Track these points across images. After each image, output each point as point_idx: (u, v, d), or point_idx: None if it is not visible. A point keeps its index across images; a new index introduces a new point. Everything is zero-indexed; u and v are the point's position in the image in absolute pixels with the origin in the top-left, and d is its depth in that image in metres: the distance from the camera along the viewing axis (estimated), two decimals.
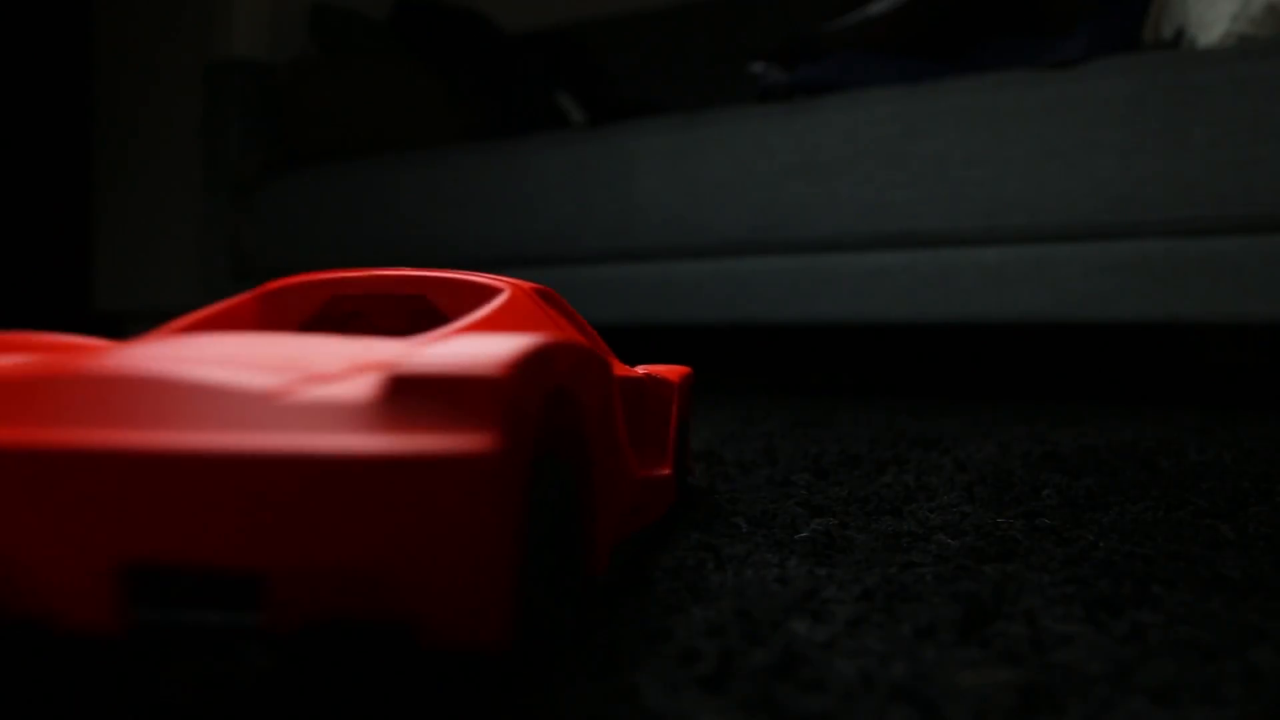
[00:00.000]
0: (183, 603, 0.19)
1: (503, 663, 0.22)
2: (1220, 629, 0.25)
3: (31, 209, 1.96)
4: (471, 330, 0.28)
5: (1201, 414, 0.88)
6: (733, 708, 0.20)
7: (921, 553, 0.34)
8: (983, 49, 1.13)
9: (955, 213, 1.00)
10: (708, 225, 1.13)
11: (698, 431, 0.73)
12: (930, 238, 1.01)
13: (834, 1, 1.54)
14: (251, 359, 0.21)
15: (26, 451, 0.18)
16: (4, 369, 0.21)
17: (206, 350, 0.22)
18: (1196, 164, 0.89)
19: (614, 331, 1.63)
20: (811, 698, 0.21)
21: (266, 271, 1.51)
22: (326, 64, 1.49)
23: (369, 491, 0.17)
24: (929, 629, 0.25)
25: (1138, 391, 1.17)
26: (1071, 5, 1.14)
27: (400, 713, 0.20)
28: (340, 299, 0.33)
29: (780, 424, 0.79)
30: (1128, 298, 0.92)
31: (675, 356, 1.66)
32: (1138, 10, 1.05)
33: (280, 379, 0.20)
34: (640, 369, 0.39)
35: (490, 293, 0.32)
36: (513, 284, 0.33)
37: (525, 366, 0.19)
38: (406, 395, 0.18)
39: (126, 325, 1.82)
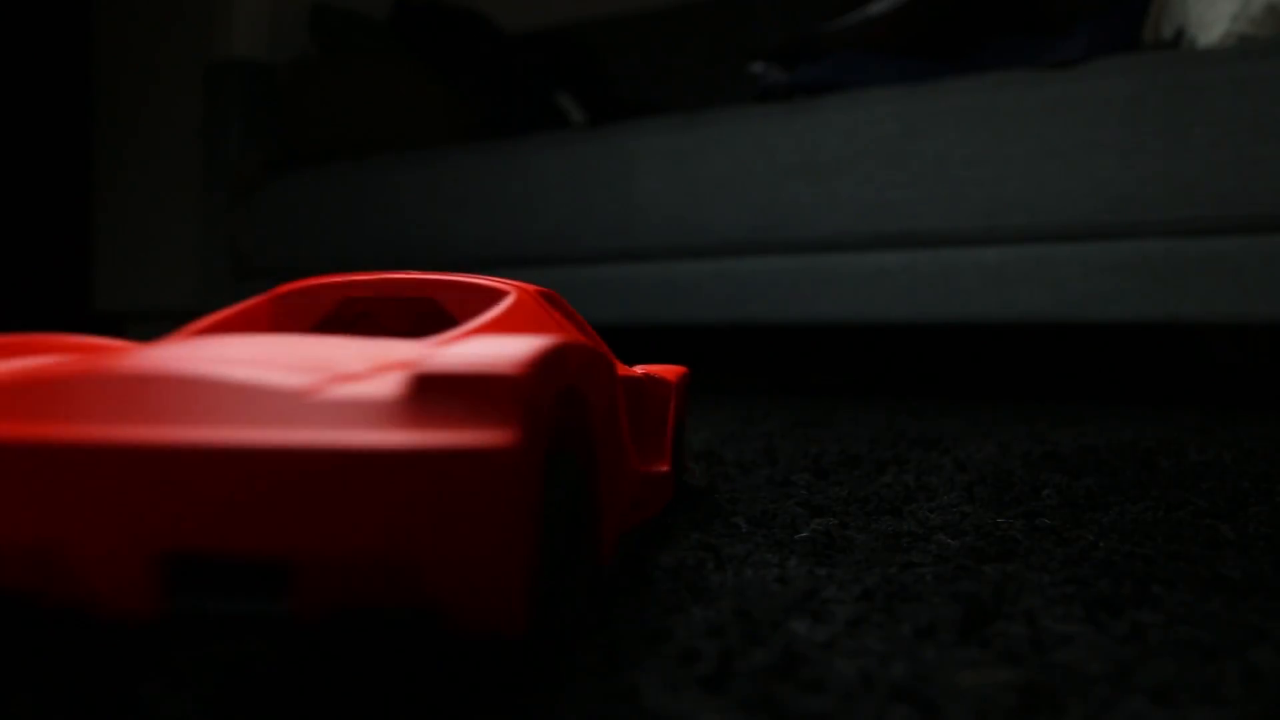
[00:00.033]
0: (215, 592, 0.20)
1: (512, 651, 0.22)
2: (1220, 629, 0.25)
3: (31, 209, 1.96)
4: (481, 332, 0.29)
5: (1201, 414, 0.88)
6: (733, 708, 0.20)
7: (921, 553, 0.34)
8: (983, 49, 1.13)
9: (955, 213, 1.00)
10: (708, 225, 1.13)
11: (698, 431, 0.73)
12: (930, 238, 1.01)
13: (834, 1, 1.54)
14: (281, 360, 0.22)
15: (71, 446, 0.19)
16: (42, 368, 0.22)
17: (236, 351, 0.23)
18: (1196, 164, 0.89)
19: (614, 331, 1.63)
20: (811, 698, 0.21)
21: (266, 271, 1.51)
22: (326, 64, 1.49)
23: (397, 484, 0.18)
24: (929, 629, 0.25)
25: (1138, 391, 1.17)
26: (1071, 5, 1.14)
27: (409, 700, 0.20)
28: (351, 301, 0.34)
29: (780, 424, 0.79)
30: (1128, 298, 0.92)
31: (675, 356, 1.66)
32: (1138, 10, 1.05)
33: (310, 378, 0.21)
34: (638, 369, 0.40)
35: (497, 295, 0.33)
36: (518, 287, 0.34)
37: (541, 366, 0.20)
38: (430, 393, 0.19)
39: (126, 325, 1.82)
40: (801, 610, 0.27)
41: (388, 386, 0.20)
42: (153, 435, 0.19)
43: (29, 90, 1.95)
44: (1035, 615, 0.27)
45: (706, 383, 1.42)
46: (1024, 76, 0.97)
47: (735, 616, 0.26)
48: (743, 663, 0.23)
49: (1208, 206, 0.89)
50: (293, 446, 0.19)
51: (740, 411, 0.91)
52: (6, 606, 0.21)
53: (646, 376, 0.39)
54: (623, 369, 0.36)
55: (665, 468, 0.38)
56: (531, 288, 0.35)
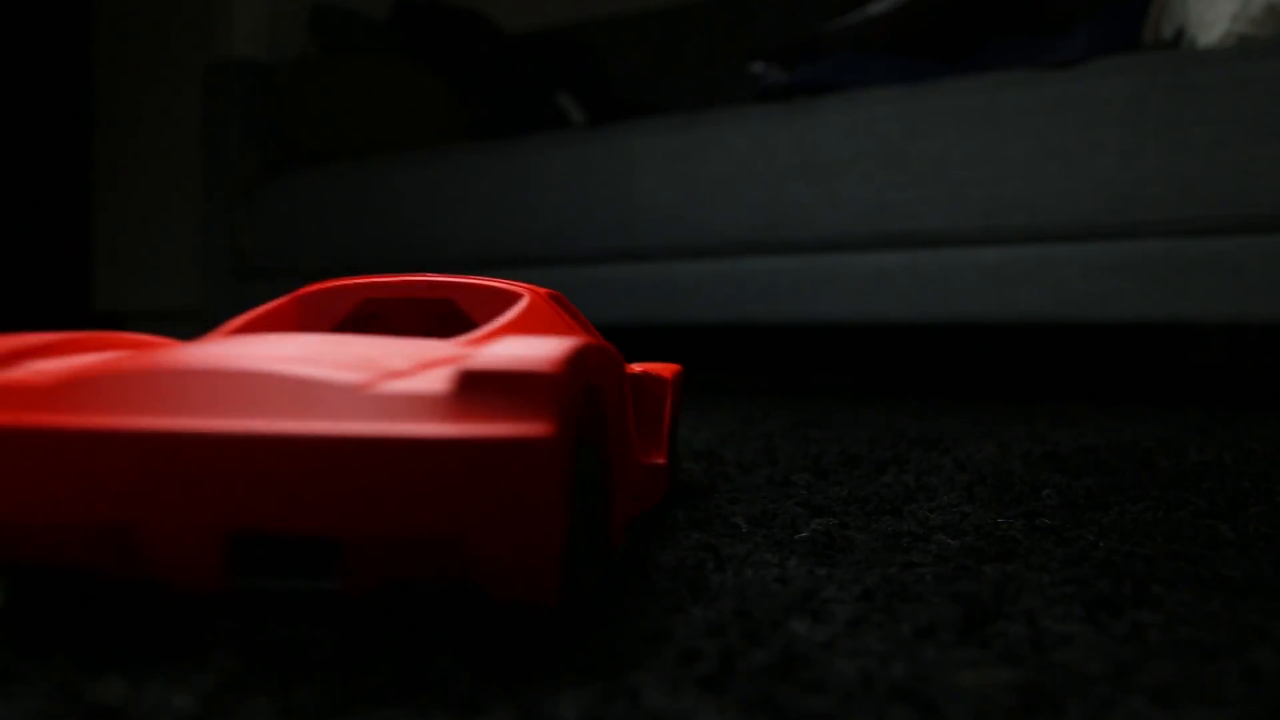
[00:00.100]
0: (274, 569, 0.22)
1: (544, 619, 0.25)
2: (1220, 629, 0.25)
3: (31, 209, 1.96)
4: (503, 332, 0.31)
5: (1201, 414, 0.88)
6: (733, 708, 0.20)
7: (921, 553, 0.34)
8: (983, 49, 1.13)
9: (955, 213, 1.00)
10: (708, 225, 1.13)
11: (698, 431, 0.73)
12: (930, 238, 1.01)
13: (834, 1, 1.54)
14: (331, 358, 0.24)
15: (146, 434, 0.21)
16: (109, 363, 0.24)
17: (288, 349, 0.25)
18: (1196, 164, 0.89)
19: (614, 331, 1.63)
20: (811, 698, 0.21)
21: (266, 271, 1.51)
22: (326, 64, 1.49)
23: (449, 469, 0.20)
24: (929, 629, 0.25)
25: (1138, 391, 1.18)
26: (1071, 5, 1.14)
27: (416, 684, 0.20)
28: (370, 302, 0.36)
29: (780, 424, 0.79)
30: (1128, 298, 0.92)
31: (675, 356, 1.66)
32: (1138, 10, 1.05)
33: (362, 375, 0.23)
34: (636, 367, 0.42)
35: (512, 298, 0.35)
36: (530, 289, 0.36)
37: (571, 365, 0.22)
38: (475, 388, 0.21)
39: (126, 325, 1.82)
40: (801, 610, 0.27)
41: (434, 382, 0.22)
42: (223, 425, 0.21)
43: (29, 90, 1.95)
44: (1035, 615, 0.27)
45: (706, 383, 1.42)
46: (1024, 76, 0.97)
47: (735, 616, 0.26)
48: (743, 663, 0.23)
49: (1207, 206, 0.89)
50: (354, 435, 0.21)
51: (740, 411, 0.91)
52: (78, 582, 0.24)
53: (645, 374, 0.41)
54: (626, 367, 0.36)
55: (662, 460, 0.39)
56: (542, 290, 0.36)
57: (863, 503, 0.43)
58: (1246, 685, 0.22)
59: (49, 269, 1.94)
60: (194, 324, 1.70)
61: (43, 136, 1.95)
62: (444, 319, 0.36)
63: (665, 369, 0.44)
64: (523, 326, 0.32)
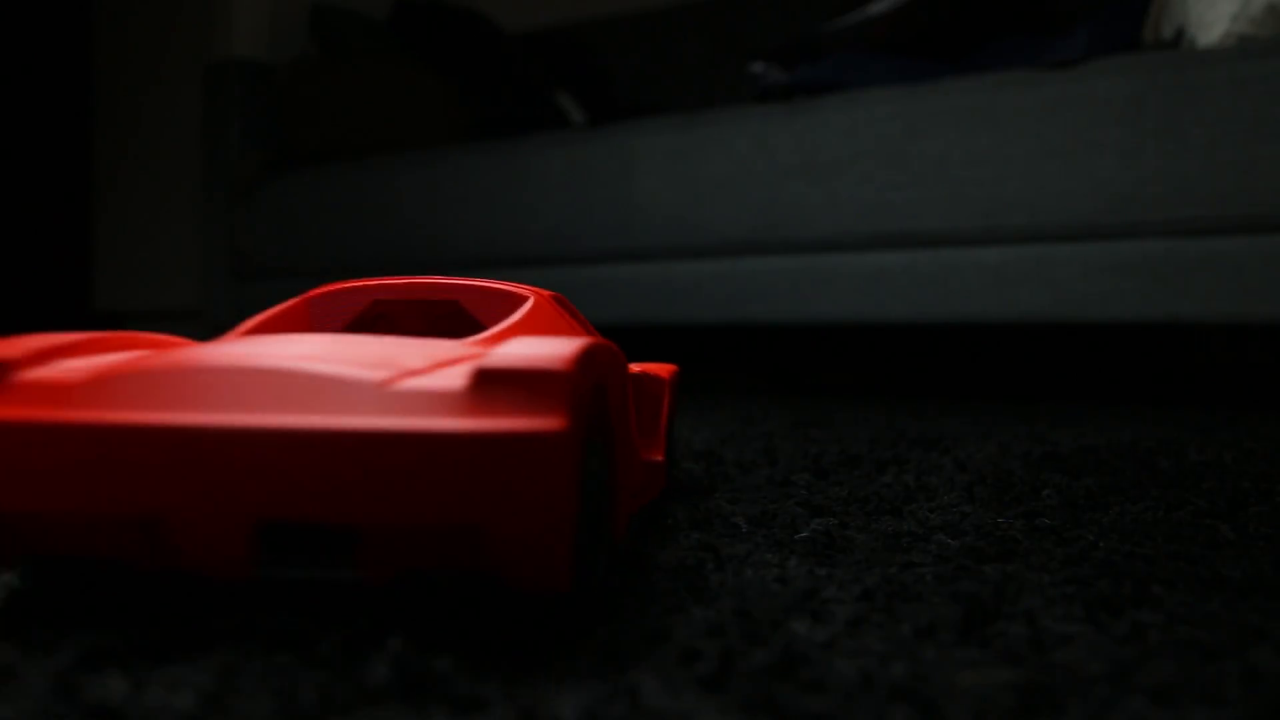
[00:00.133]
0: (298, 558, 0.23)
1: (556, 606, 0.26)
2: (1220, 629, 0.25)
3: (31, 209, 1.96)
4: (511, 332, 0.32)
5: (1201, 414, 0.88)
6: (733, 708, 0.20)
7: (921, 553, 0.34)
8: (983, 49, 1.13)
9: (955, 213, 1.00)
10: (708, 225, 1.13)
11: (698, 431, 0.73)
12: (930, 238, 1.01)
13: (834, 1, 1.54)
14: (352, 357, 0.25)
15: (177, 429, 0.22)
16: (138, 361, 0.25)
17: (310, 349, 0.26)
18: (1196, 164, 0.89)
19: (614, 331, 1.63)
20: (811, 698, 0.21)
21: (266, 271, 1.51)
22: (326, 64, 1.49)
23: (466, 461, 0.22)
24: (929, 629, 0.25)
25: (1138, 391, 1.18)
26: (1071, 5, 1.14)
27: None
28: (379, 303, 0.37)
29: (780, 424, 0.79)
30: (1128, 298, 0.92)
31: (675, 356, 1.66)
32: (1138, 10, 1.05)
33: (383, 373, 0.24)
34: (635, 367, 0.42)
35: (517, 300, 0.36)
36: (535, 291, 0.37)
37: (582, 364, 0.24)
38: (491, 385, 0.23)
39: (126, 325, 1.82)
40: (801, 610, 0.27)
41: (452, 379, 0.23)
42: (252, 420, 0.22)
43: (29, 90, 1.95)
44: (1035, 615, 0.27)
45: (707, 383, 1.42)
46: (1024, 76, 0.97)
47: (735, 616, 0.26)
48: (743, 663, 0.23)
49: (1208, 206, 0.89)
50: (379, 429, 0.22)
51: (740, 411, 0.91)
52: (111, 572, 0.25)
53: (643, 374, 0.42)
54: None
55: (660, 458, 0.40)
56: (545, 292, 0.37)
57: (863, 503, 0.43)
58: (1246, 685, 0.22)
59: (49, 269, 1.94)
60: (194, 324, 1.70)
61: (43, 136, 1.95)
62: (448, 320, 0.37)
63: (662, 369, 0.45)
64: (529, 327, 0.33)
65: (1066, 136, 0.95)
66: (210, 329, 1.58)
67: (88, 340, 0.28)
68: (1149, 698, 0.21)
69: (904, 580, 0.30)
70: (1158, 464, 0.55)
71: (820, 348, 1.55)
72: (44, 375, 0.25)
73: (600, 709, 0.20)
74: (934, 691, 0.21)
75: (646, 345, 1.67)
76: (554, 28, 1.75)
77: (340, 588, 0.25)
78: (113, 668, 0.22)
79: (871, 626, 0.26)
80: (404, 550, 0.23)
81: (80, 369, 0.25)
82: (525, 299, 0.36)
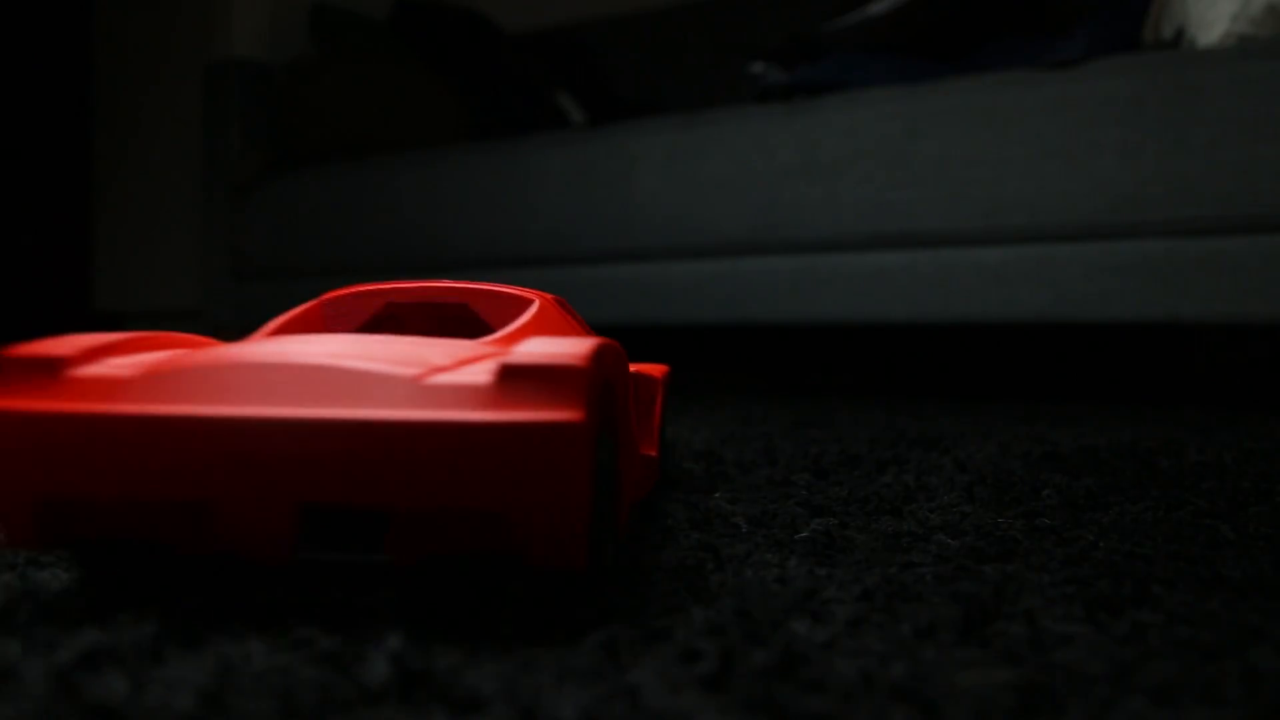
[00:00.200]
0: (334, 543, 0.25)
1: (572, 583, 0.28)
2: (1220, 629, 0.25)
3: (31, 209, 1.95)
4: (523, 332, 0.34)
5: (1201, 414, 0.88)
6: (733, 708, 0.20)
7: (921, 553, 0.34)
8: (983, 49, 1.13)
9: (955, 213, 1.00)
10: (708, 225, 1.13)
11: (698, 431, 0.73)
12: (930, 238, 1.01)
13: (834, 1, 1.53)
14: (381, 355, 0.27)
15: (228, 420, 0.24)
16: (185, 358, 0.27)
17: (341, 347, 0.27)
18: (1196, 164, 0.89)
19: (614, 331, 1.63)
20: (811, 698, 0.21)
21: (266, 271, 1.51)
22: (326, 64, 1.49)
23: (493, 450, 0.24)
24: (929, 629, 0.25)
25: (1138, 391, 1.18)
26: (1071, 5, 1.14)
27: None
28: (392, 305, 0.39)
29: (780, 424, 0.79)
30: (1128, 298, 0.92)
31: (676, 356, 1.66)
32: (1138, 10, 1.05)
33: (414, 369, 0.26)
34: (630, 367, 0.44)
35: (524, 302, 0.38)
36: (539, 294, 0.39)
37: (596, 361, 0.26)
38: (515, 380, 0.25)
39: (126, 325, 1.82)
40: (801, 610, 0.27)
41: (477, 375, 0.25)
42: (297, 412, 0.24)
43: (29, 90, 1.95)
44: (1035, 615, 0.27)
45: (707, 383, 1.42)
46: (1024, 76, 0.97)
47: (735, 616, 0.26)
48: (743, 663, 0.23)
49: (1208, 206, 0.89)
50: (414, 420, 0.24)
51: (740, 411, 0.91)
52: (157, 554, 0.27)
53: (638, 373, 0.44)
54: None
55: (654, 453, 0.42)
56: (549, 295, 0.39)
57: (863, 503, 0.43)
58: (1246, 685, 0.22)
59: (49, 269, 1.94)
60: (194, 324, 1.70)
61: (43, 136, 1.95)
62: (455, 321, 0.40)
63: (655, 369, 0.46)
64: (537, 328, 0.35)
65: (1066, 136, 0.95)
66: (210, 329, 1.58)
67: (131, 339, 0.30)
68: (1149, 698, 0.21)
69: (904, 580, 0.30)
70: (1158, 464, 0.55)
71: (820, 348, 1.55)
72: (97, 371, 0.26)
73: (600, 709, 0.20)
74: (934, 691, 0.21)
75: (646, 345, 1.67)
76: (554, 28, 1.75)
77: (371, 570, 0.27)
78: (113, 668, 0.22)
79: (871, 626, 0.26)
80: (432, 534, 0.25)
81: (130, 365, 0.27)
82: (531, 302, 0.38)
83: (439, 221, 1.33)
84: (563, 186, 1.23)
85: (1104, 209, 0.93)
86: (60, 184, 1.94)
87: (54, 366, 0.26)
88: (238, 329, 1.55)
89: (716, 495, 0.45)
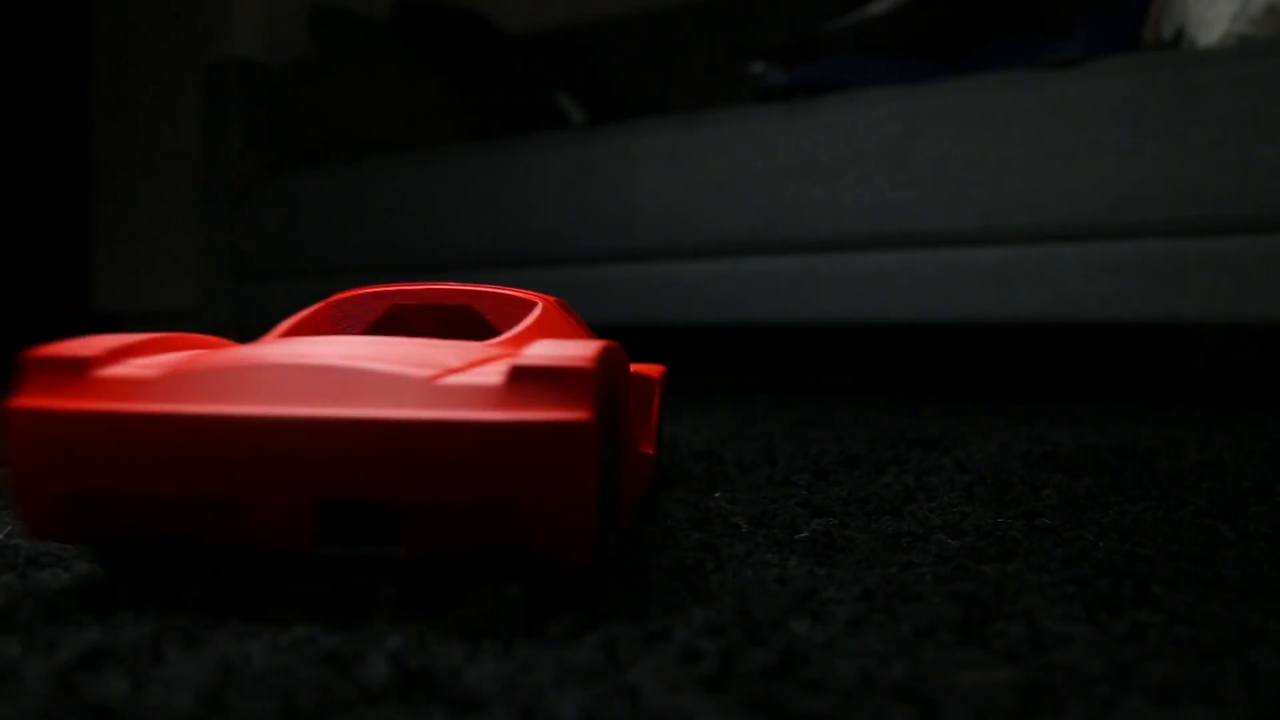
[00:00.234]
0: (351, 537, 0.26)
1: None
2: (1220, 629, 0.25)
3: (31, 209, 1.95)
4: (528, 334, 0.35)
5: (1201, 414, 0.88)
6: (733, 707, 0.20)
7: (921, 553, 0.34)
8: (983, 49, 1.13)
9: (955, 213, 1.00)
10: (708, 225, 1.13)
11: (699, 431, 0.73)
12: (930, 238, 1.01)
13: (834, 1, 1.53)
14: (394, 357, 0.28)
15: (250, 418, 0.25)
16: (206, 359, 0.27)
17: (354, 349, 0.28)
18: (1196, 164, 0.89)
19: (614, 331, 1.63)
20: (811, 698, 0.21)
21: (266, 271, 1.51)
22: (326, 64, 1.49)
23: (506, 447, 0.25)
24: (929, 629, 0.25)
25: (1138, 391, 1.18)
26: (1071, 5, 1.14)
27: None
28: (397, 307, 0.40)
29: (780, 424, 0.79)
30: (1128, 298, 0.92)
31: (676, 356, 1.66)
32: (1138, 10, 1.05)
33: (428, 370, 0.27)
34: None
35: (526, 304, 0.40)
36: (541, 297, 0.40)
37: (602, 362, 0.27)
38: (525, 381, 0.26)
39: (126, 325, 1.82)
40: (801, 610, 0.27)
41: (489, 376, 0.26)
42: (319, 411, 0.25)
43: (29, 90, 1.95)
44: (1035, 615, 0.27)
45: (707, 383, 1.42)
46: (1024, 76, 0.97)
47: (735, 616, 0.26)
48: (743, 663, 0.23)
49: (1208, 206, 0.89)
50: (431, 419, 0.25)
51: (740, 411, 0.91)
52: (179, 548, 0.28)
53: (637, 373, 0.45)
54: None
55: (652, 451, 0.43)
56: (550, 297, 0.40)
57: (863, 503, 0.43)
58: (1246, 685, 0.22)
59: (49, 269, 1.94)
60: (194, 324, 1.70)
61: (43, 136, 1.95)
62: (458, 322, 0.41)
63: (653, 369, 0.47)
64: (542, 330, 0.36)
65: (1066, 136, 0.95)
66: (210, 329, 1.58)
67: (152, 340, 0.31)
68: (1149, 698, 0.21)
69: (904, 580, 0.30)
70: (1158, 464, 0.55)
71: (820, 348, 1.55)
72: (123, 371, 0.27)
73: (600, 709, 0.20)
74: (934, 691, 0.21)
75: (647, 345, 1.67)
76: (554, 28, 1.75)
77: (386, 563, 0.29)
78: (113, 668, 0.22)
79: (871, 626, 0.26)
80: (444, 528, 0.26)
81: (153, 366, 0.28)
82: (534, 304, 0.39)
83: (439, 221, 1.33)
84: (562, 186, 1.23)
85: (1104, 209, 0.93)
86: (60, 184, 1.94)
87: (80, 366, 0.27)
88: (238, 329, 1.55)
89: (716, 495, 0.45)
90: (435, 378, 0.26)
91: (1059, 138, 0.95)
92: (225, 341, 0.34)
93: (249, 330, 1.54)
